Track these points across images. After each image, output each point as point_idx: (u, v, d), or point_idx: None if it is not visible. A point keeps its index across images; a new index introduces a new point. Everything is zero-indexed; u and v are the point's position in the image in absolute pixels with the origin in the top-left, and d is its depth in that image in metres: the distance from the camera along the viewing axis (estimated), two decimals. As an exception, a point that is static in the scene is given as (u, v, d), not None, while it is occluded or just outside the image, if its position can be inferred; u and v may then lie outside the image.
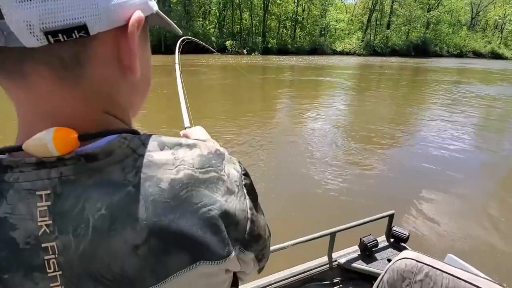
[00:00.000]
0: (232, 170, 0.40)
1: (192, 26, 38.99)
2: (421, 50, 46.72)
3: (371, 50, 46.51)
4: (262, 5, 43.86)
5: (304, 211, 3.76)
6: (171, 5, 38.38)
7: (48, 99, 0.33)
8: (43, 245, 0.30)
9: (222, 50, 38.91)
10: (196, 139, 0.41)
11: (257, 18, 44.78)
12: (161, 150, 0.36)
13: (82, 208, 0.31)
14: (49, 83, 0.32)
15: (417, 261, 1.13)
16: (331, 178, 4.61)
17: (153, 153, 0.35)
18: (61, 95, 0.33)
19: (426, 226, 3.61)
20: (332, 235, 1.75)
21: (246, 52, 39.25)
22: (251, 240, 0.42)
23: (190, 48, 34.88)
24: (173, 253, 0.33)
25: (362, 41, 48.19)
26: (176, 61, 1.40)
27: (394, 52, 46.63)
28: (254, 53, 39.70)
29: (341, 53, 46.05)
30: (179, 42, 1.58)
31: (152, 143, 0.36)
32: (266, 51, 40.98)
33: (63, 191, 0.31)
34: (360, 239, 1.86)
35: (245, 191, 0.41)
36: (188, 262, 0.34)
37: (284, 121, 7.96)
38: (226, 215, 0.37)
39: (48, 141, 0.30)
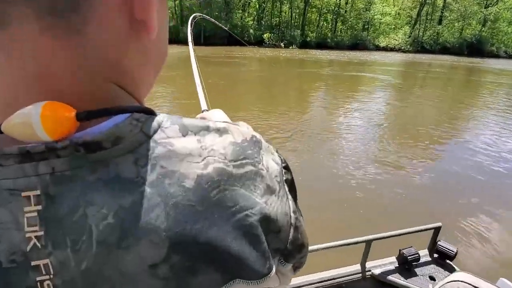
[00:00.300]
0: (271, 163, 0.34)
1: (231, 18, 39.27)
2: (476, 49, 42.32)
3: (419, 47, 43.24)
4: (303, -3, 42.74)
5: (338, 213, 3.59)
6: (212, -3, 38.96)
7: (35, 60, 0.24)
8: (33, 263, 0.23)
9: (259, 43, 38.78)
10: (226, 122, 0.34)
11: (297, 11, 43.77)
12: (184, 136, 0.28)
13: (82, 215, 0.23)
14: (36, 36, 0.24)
15: (474, 286, 0.97)
16: (370, 180, 4.34)
17: (174, 140, 0.27)
18: (53, 54, 0.24)
19: (474, 244, 3.23)
20: (368, 242, 1.63)
21: (283, 45, 38.72)
22: (293, 250, 0.35)
23: (228, 40, 35.38)
24: (201, 272, 0.26)
25: (409, 36, 44.96)
26: (189, 39, 1.31)
27: (444, 49, 42.86)
28: (292, 46, 39.02)
29: (385, 49, 43.47)
30: (190, 19, 1.49)
31: (173, 127, 0.28)
32: (304, 45, 40.05)
33: (57, 192, 0.23)
34: (400, 250, 1.69)
35: (287, 189, 0.35)
36: (220, 283, 0.27)
37: (320, 117, 7.70)
38: (267, 221, 0.30)
39: (35, 121, 0.23)
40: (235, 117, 6.91)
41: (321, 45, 40.60)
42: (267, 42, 38.82)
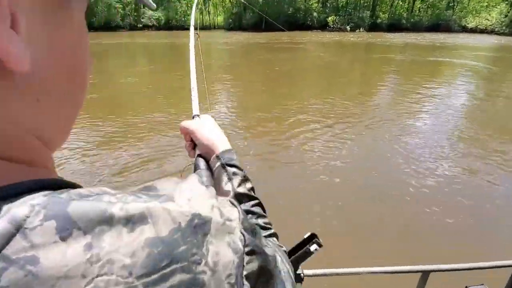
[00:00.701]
0: (225, 252, 0.24)
1: (295, 1, 37.80)
2: None
3: (520, 27, 35.43)
4: (376, -26, 38.56)
5: (392, 231, 2.96)
6: (276, -19, 37.84)
7: None
8: None
9: (323, 27, 36.66)
10: (153, 196, 0.23)
11: (368, -10, 39.81)
12: (64, 239, 0.18)
13: None
14: None
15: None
16: (436, 194, 3.50)
17: (42, 252, 0.17)
18: None
19: None
20: (425, 273, 1.33)
21: (349, 28, 35.90)
22: None
23: (290, 26, 34.25)
24: None
25: (506, 16, 37.11)
26: (192, 22, 1.11)
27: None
28: (359, 29, 35.93)
29: (474, 30, 36.84)
30: (195, 3, 1.32)
31: (46, 225, 0.18)
32: (374, 27, 36.46)
33: None
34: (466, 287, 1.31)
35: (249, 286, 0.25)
36: None
37: (386, 110, 6.64)
38: None
39: None
40: (292, 106, 6.48)
41: (394, 26, 36.42)
42: (332, 26, 36.46)
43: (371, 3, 38.99)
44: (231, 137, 4.87)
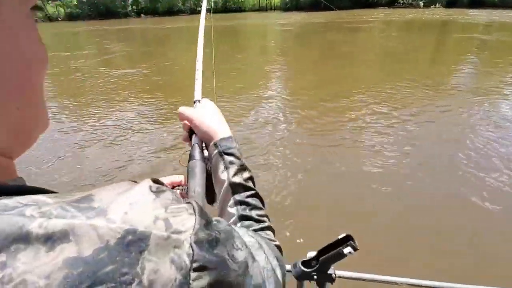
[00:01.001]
0: (164, 270, 0.21)
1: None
2: None
3: None
4: None
5: (454, 242, 2.49)
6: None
7: None
8: None
9: (391, 3, 32.94)
10: (83, 209, 0.21)
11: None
12: None
13: None
14: None
15: None
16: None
17: None
18: None
19: None
20: None
21: (422, 4, 31.60)
22: None
23: (354, 3, 31.57)
24: None
25: None
26: (204, 5, 0.99)
27: None
28: (435, 5, 31.40)
29: None
30: None
31: None
32: (452, 3, 31.47)
33: None
34: None
35: None
36: None
37: (459, 102, 5.55)
38: None
39: None
40: (349, 92, 5.92)
41: (479, 2, 30.89)
42: (402, 2, 32.57)
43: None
44: (278, 122, 4.72)
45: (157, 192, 0.26)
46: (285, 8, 37.53)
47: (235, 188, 0.51)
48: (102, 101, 6.26)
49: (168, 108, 5.70)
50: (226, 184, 0.52)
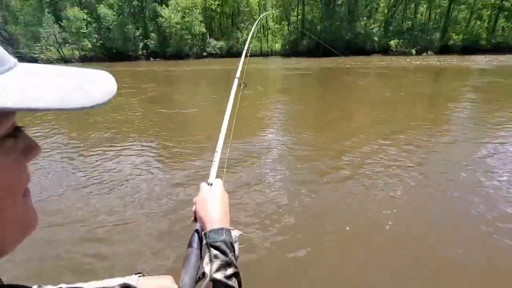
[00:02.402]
0: None
1: (354, 26, 37.13)
2: None
3: None
4: (448, -7, 35.66)
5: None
6: (336, 8, 37.95)
7: None
8: None
9: (384, 51, 34.85)
10: None
11: (438, 10, 36.93)
12: None
13: None
14: None
15: None
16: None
17: None
18: None
19: None
20: None
21: (414, 52, 33.34)
22: None
23: (348, 51, 33.47)
24: None
25: None
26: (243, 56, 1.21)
27: None
28: (426, 52, 33.11)
29: None
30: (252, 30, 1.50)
31: None
32: (445, 50, 33.21)
33: None
34: None
35: None
36: None
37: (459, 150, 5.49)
38: None
39: None
40: (341, 144, 5.88)
41: (470, 48, 32.61)
42: (395, 49, 34.43)
43: (442, 24, 35.89)
44: (281, 157, 4.60)
45: None
46: (285, 54, 39.83)
47: (216, 284, 0.51)
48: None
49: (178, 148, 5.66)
50: (207, 279, 0.52)
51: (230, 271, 0.52)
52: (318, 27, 39.34)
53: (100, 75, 0.31)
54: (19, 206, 0.30)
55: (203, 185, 0.68)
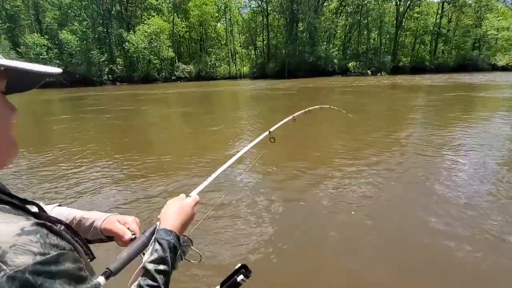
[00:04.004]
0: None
1: (315, 50, 39.99)
2: None
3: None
4: (395, 22, 40.17)
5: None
6: (298, 34, 40.83)
7: None
8: None
9: (344, 72, 37.76)
10: None
11: (387, 36, 41.23)
12: None
13: None
14: None
15: None
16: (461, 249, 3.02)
17: None
18: None
19: None
20: None
21: (370, 72, 36.55)
22: None
23: (311, 72, 35.74)
24: None
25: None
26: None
27: None
28: (380, 73, 36.43)
29: (506, 68, 35.69)
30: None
31: None
32: (396, 70, 36.81)
33: None
34: None
35: None
36: None
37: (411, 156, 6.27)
38: None
39: None
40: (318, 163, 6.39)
41: (417, 69, 36.52)
42: (353, 71, 37.44)
43: (392, 48, 39.99)
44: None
45: (24, 232, 0.37)
46: (253, 77, 41.44)
47: (145, 272, 0.58)
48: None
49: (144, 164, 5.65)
50: (141, 264, 0.60)
51: (162, 267, 0.59)
52: (283, 51, 41.80)
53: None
54: (6, 132, 0.44)
55: (182, 195, 0.80)
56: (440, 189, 4.19)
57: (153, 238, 0.64)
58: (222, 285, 0.86)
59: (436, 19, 40.00)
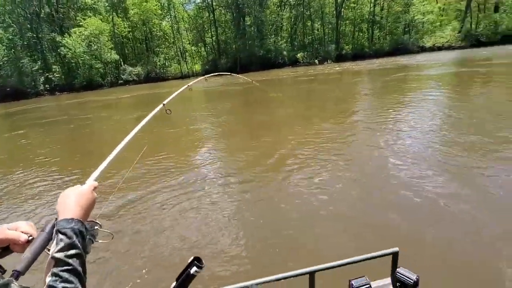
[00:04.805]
0: None
1: (264, 44, 40.68)
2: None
3: (474, 41, 38.80)
4: (334, 12, 42.45)
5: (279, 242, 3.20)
6: (246, 28, 41.09)
7: None
8: None
9: (294, 62, 39.11)
10: None
11: (329, 26, 43.46)
12: None
13: None
14: None
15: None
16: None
17: None
18: None
19: (437, 269, 2.60)
20: (311, 275, 1.39)
21: (318, 62, 38.39)
22: None
23: (262, 66, 36.39)
24: None
25: (460, 31, 40.80)
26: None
27: (508, 38, 37.69)
28: (327, 61, 38.44)
29: (432, 49, 40.00)
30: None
31: None
32: (340, 58, 39.13)
33: None
34: (349, 281, 1.40)
35: None
36: None
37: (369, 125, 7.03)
38: None
39: None
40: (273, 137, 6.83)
41: (359, 55, 39.18)
42: (302, 61, 38.93)
43: (335, 37, 42.31)
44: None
45: None
46: (206, 74, 40.81)
47: (57, 262, 0.59)
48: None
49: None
50: (49, 257, 0.60)
51: (72, 251, 0.60)
52: (234, 46, 41.80)
53: None
54: None
55: (77, 185, 0.78)
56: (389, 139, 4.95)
57: (54, 230, 0.64)
58: (177, 279, 0.87)
59: (370, 8, 43.10)
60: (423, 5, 44.64)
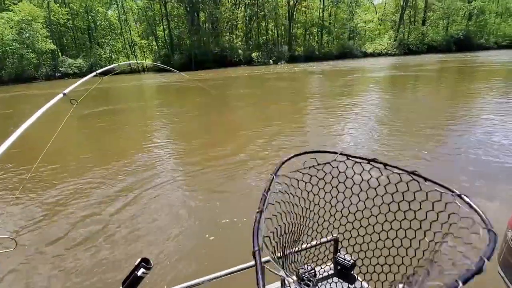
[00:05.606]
0: None
1: (219, 41, 40.44)
2: (465, 44, 43.25)
3: (406, 49, 44.10)
4: (287, 14, 44.18)
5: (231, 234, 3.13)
6: (200, 24, 40.30)
7: None
8: None
9: (249, 62, 39.67)
10: None
11: (282, 28, 45.09)
12: None
13: None
14: None
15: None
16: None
17: None
18: None
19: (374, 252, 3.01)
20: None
21: (272, 62, 39.57)
22: None
23: (218, 64, 36.16)
24: None
25: (395, 40, 45.96)
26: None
27: (432, 48, 43.73)
28: (281, 62, 39.85)
29: (373, 54, 44.32)
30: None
31: None
32: (293, 59, 40.91)
33: None
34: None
35: None
36: None
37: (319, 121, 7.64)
38: None
39: None
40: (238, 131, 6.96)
41: (310, 58, 41.47)
42: (257, 61, 39.69)
43: (287, 39, 44.09)
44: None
45: None
46: (158, 69, 39.03)
47: None
48: None
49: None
50: None
51: None
52: (188, 42, 40.66)
53: None
54: None
55: None
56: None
57: None
58: (123, 283, 0.82)
59: (319, 13, 45.91)
60: (365, 14, 49.22)
